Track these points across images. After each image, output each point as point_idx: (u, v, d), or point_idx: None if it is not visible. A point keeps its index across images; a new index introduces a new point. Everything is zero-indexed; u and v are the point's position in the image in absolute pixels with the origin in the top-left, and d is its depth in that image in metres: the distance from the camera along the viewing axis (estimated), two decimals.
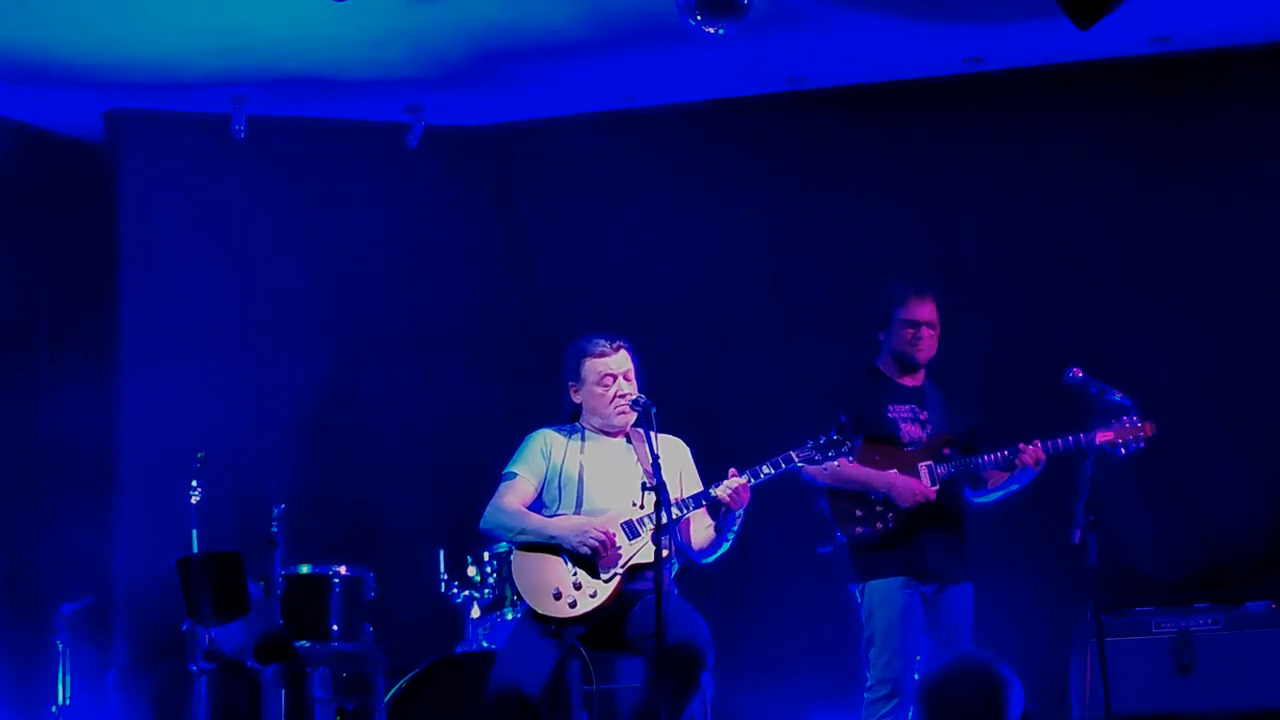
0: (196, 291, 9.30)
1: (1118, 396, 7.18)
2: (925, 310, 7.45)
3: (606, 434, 7.06)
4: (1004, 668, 4.13)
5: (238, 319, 9.30)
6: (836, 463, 6.92)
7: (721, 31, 7.39)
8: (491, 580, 7.94)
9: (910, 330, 7.44)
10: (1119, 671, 7.25)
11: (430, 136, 9.50)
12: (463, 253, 9.67)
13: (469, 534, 7.88)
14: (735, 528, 6.86)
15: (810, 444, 6.87)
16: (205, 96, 9.08)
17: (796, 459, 6.87)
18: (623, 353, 7.03)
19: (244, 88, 9.00)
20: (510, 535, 6.97)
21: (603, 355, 7.00)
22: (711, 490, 6.79)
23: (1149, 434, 7.23)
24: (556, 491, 6.97)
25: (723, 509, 6.81)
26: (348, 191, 9.60)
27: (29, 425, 9.24)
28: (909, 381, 7.52)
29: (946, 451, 7.35)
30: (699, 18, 7.38)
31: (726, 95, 9.32)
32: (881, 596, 7.27)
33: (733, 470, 6.79)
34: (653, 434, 6.60)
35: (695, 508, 6.85)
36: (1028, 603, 8.42)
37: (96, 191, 9.51)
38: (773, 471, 6.84)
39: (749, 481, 6.75)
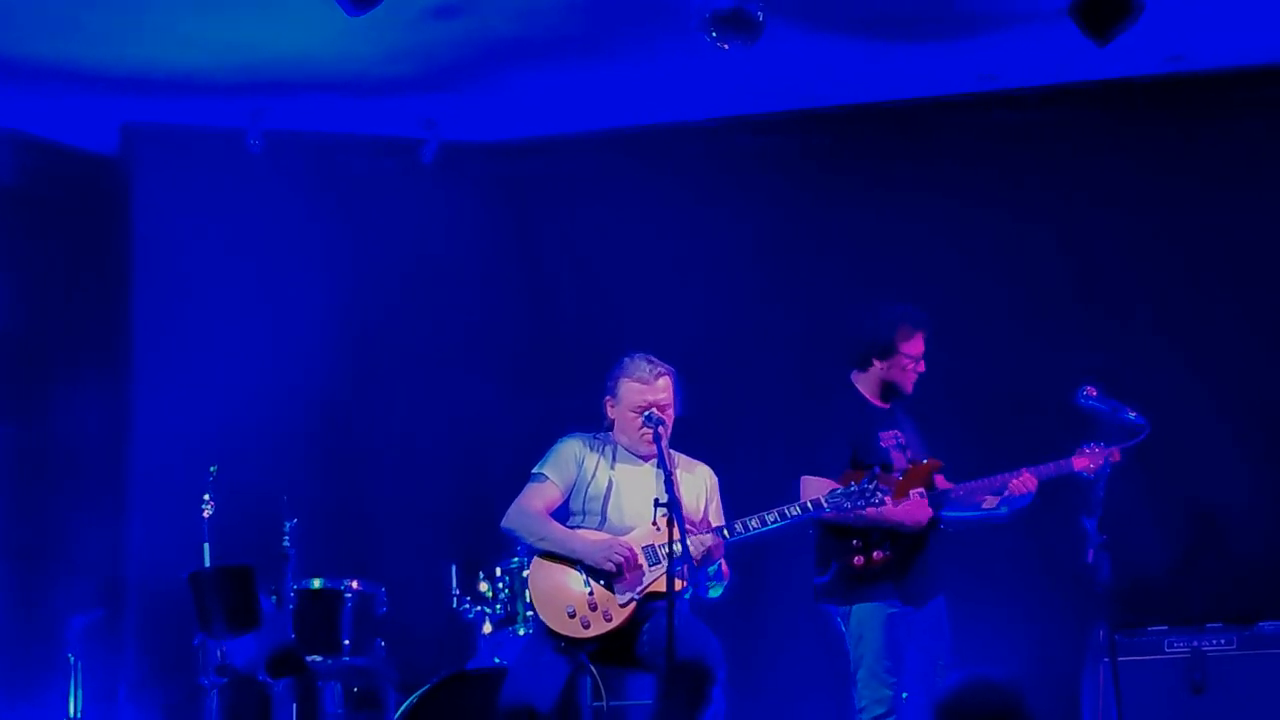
0: (210, 305, 9.29)
1: (1131, 416, 7.17)
2: (922, 342, 7.41)
3: (635, 455, 7.02)
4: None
5: (252, 333, 9.26)
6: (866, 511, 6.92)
7: (733, 48, 7.39)
8: (503, 596, 7.92)
9: (914, 363, 7.39)
10: (1131, 691, 7.22)
11: (445, 152, 9.50)
12: (477, 268, 9.67)
13: (481, 549, 7.91)
14: (712, 573, 6.85)
15: (840, 492, 6.85)
16: (221, 110, 9.08)
17: (825, 505, 6.86)
18: (664, 381, 6.92)
19: (260, 101, 9.01)
20: (531, 540, 6.94)
21: (642, 381, 6.92)
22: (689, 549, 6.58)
23: (1115, 460, 7.19)
24: (582, 505, 6.94)
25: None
26: (363, 206, 9.59)
27: (42, 438, 9.24)
28: (885, 406, 7.50)
29: (938, 479, 7.31)
30: (713, 35, 7.38)
31: (742, 113, 9.33)
32: (871, 619, 7.22)
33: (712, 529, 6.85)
34: (664, 449, 6.60)
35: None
36: (1040, 622, 8.41)
37: (112, 205, 9.49)
38: (799, 514, 6.87)
39: (724, 539, 6.80)
